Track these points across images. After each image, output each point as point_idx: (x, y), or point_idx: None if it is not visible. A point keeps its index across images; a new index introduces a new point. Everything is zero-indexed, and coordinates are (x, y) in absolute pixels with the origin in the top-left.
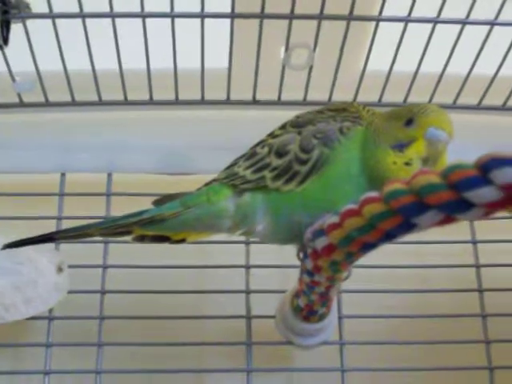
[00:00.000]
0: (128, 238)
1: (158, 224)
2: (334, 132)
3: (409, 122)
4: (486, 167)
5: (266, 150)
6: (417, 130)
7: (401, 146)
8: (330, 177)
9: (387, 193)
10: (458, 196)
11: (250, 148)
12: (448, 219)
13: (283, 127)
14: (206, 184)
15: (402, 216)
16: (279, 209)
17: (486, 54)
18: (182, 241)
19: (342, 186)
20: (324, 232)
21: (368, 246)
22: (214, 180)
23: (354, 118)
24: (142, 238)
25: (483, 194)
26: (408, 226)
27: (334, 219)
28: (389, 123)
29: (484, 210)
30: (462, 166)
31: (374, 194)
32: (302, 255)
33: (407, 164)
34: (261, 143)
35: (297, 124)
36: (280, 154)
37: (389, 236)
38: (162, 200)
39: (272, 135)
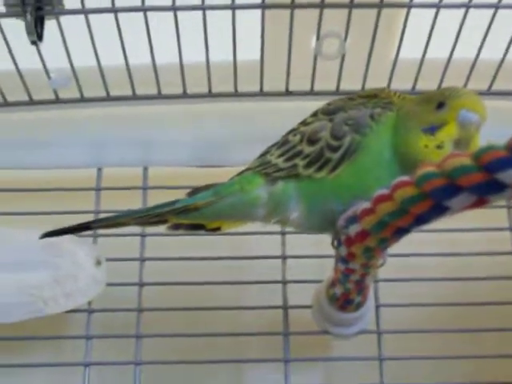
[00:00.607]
0: (163, 227)
1: (192, 213)
2: (365, 118)
3: (440, 105)
4: None
5: (297, 137)
6: (448, 112)
7: (432, 129)
8: (361, 163)
9: (419, 176)
10: (489, 177)
11: (283, 136)
12: (480, 201)
13: (315, 115)
14: (239, 173)
15: (434, 199)
16: (312, 196)
17: None
18: (217, 229)
19: (374, 172)
20: (357, 218)
21: (401, 231)
22: (247, 169)
23: (384, 104)
24: (177, 227)
25: None
26: (440, 210)
27: (367, 205)
28: (420, 107)
29: None
30: (494, 148)
31: (405, 178)
32: (336, 243)
33: (439, 147)
34: (293, 131)
35: (328, 111)
36: (312, 141)
37: (421, 220)
38: (196, 191)
39: (304, 123)
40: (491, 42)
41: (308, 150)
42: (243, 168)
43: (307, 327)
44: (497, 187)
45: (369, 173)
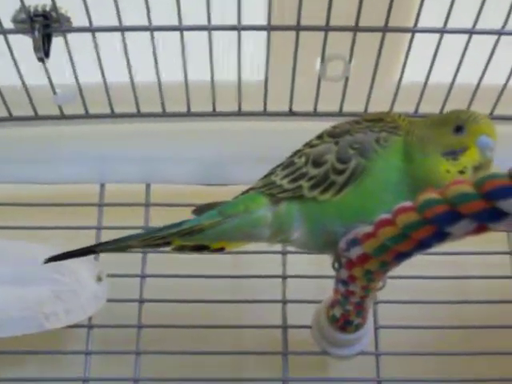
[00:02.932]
0: (167, 248)
1: (197, 234)
2: (370, 143)
3: (458, 129)
4: None
5: (303, 159)
6: (468, 137)
7: (454, 154)
8: (366, 187)
9: (421, 202)
10: (490, 205)
11: (287, 157)
12: (481, 228)
13: (320, 137)
14: (244, 193)
15: (436, 225)
16: (315, 218)
17: None
18: (221, 249)
19: (378, 196)
20: (358, 241)
21: (402, 256)
22: (252, 189)
23: (391, 129)
24: (181, 248)
25: None
26: (441, 236)
27: (369, 229)
28: (433, 131)
29: None
30: (496, 176)
31: (407, 203)
32: (337, 265)
33: (461, 172)
34: (298, 153)
35: (334, 134)
36: (317, 163)
37: (422, 245)
38: (202, 209)
39: (309, 145)
40: (494, 68)
41: (313, 172)
42: (245, 187)
43: (306, 347)
44: (497, 215)
45: (373, 196)
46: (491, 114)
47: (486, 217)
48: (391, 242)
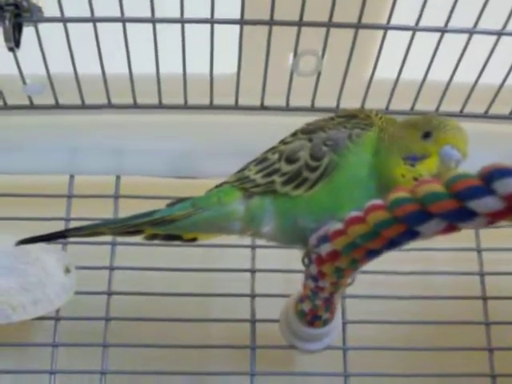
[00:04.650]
0: (139, 237)
1: (169, 224)
2: (343, 139)
3: (426, 135)
4: (489, 177)
5: (276, 156)
6: (433, 144)
7: (413, 159)
8: (337, 182)
9: (392, 201)
10: (460, 205)
11: (262, 153)
12: (451, 228)
13: (294, 134)
14: (216, 186)
15: (406, 224)
16: (286, 212)
17: (493, 62)
18: (194, 240)
19: (349, 192)
20: (329, 238)
21: (372, 253)
22: (225, 182)
23: (364, 125)
24: (153, 237)
25: (486, 203)
26: (411, 234)
27: (339, 226)
28: (405, 131)
29: (486, 220)
30: (466, 176)
31: (378, 201)
32: (306, 261)
33: (416, 179)
34: (272, 149)
35: (307, 131)
36: (290, 160)
37: (393, 243)
38: (176, 203)
39: (283, 142)
40: (465, 65)
41: (286, 168)
42: (215, 180)
43: (274, 341)
44: (467, 215)
45: (343, 192)
46: (461, 111)
47: (456, 216)
48: (362, 240)
